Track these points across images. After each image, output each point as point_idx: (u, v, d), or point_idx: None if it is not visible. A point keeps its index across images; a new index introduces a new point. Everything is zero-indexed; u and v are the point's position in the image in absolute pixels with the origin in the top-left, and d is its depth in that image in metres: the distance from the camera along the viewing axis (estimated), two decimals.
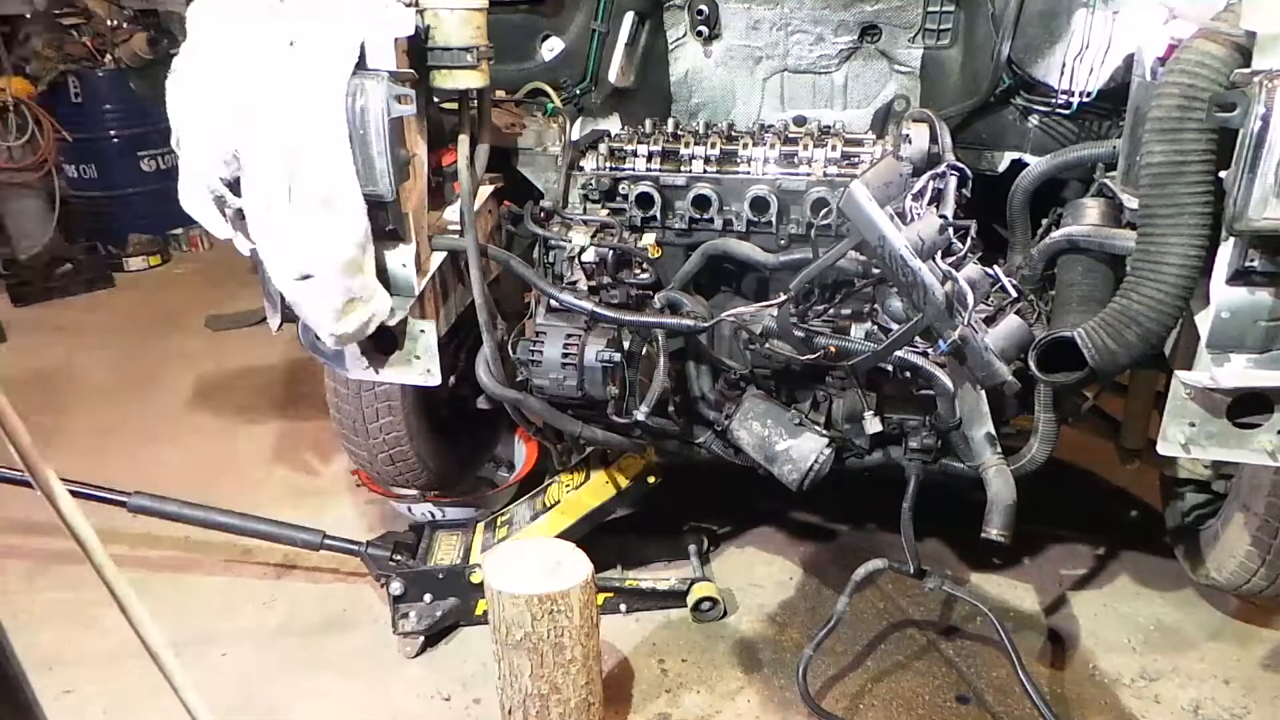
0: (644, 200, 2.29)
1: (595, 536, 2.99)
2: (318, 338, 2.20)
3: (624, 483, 2.81)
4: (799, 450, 2.15)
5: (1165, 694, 2.53)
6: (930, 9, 2.37)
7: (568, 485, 2.89)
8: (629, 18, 2.48)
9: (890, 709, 2.49)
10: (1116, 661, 2.64)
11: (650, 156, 2.32)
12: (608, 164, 2.36)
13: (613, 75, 2.51)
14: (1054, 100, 2.16)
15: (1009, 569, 3.01)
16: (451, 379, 2.79)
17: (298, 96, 1.83)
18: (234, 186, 1.93)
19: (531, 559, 2.24)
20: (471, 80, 2.03)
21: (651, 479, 2.81)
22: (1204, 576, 2.65)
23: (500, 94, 2.40)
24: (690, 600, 2.79)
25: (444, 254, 2.20)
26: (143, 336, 5.05)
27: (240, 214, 1.94)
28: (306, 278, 1.90)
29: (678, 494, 3.10)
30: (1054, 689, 2.52)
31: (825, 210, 2.15)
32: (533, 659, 2.16)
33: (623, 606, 2.83)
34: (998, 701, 2.49)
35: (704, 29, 2.53)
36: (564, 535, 2.77)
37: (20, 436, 1.18)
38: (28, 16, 5.75)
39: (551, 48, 2.51)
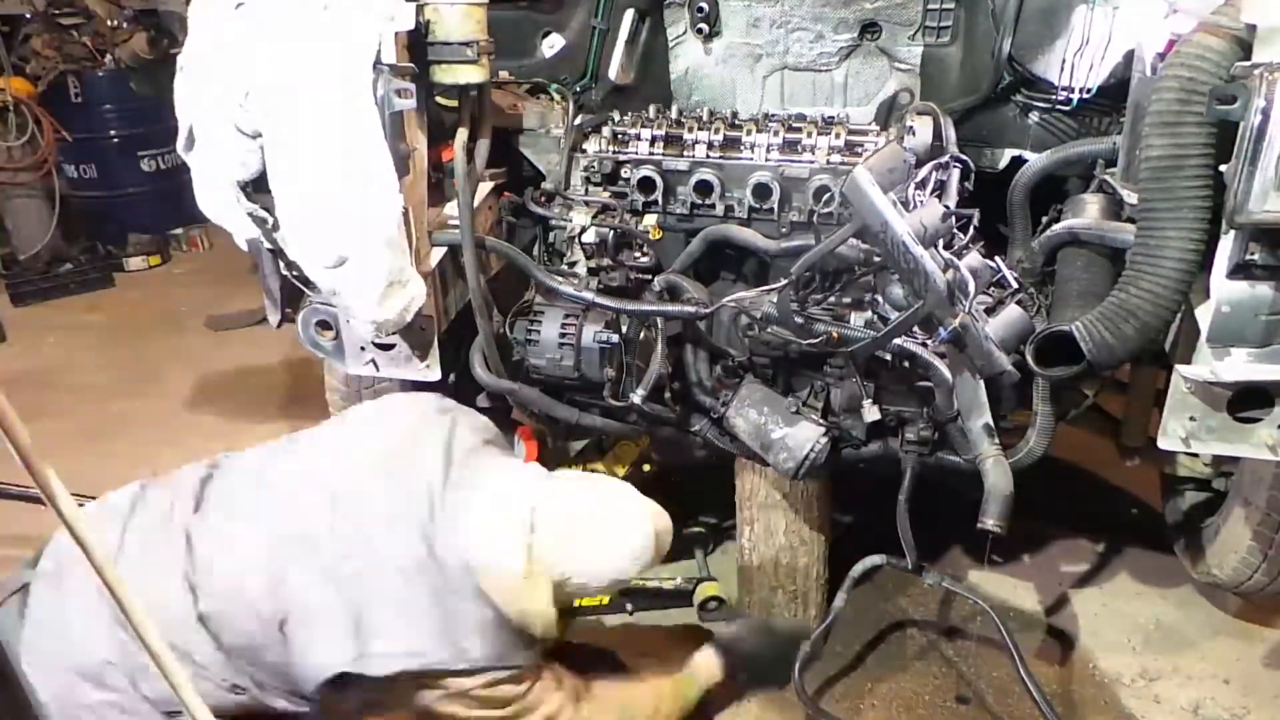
0: (646, 184, 2.29)
1: None
2: (315, 335, 2.21)
3: (620, 472, 2.80)
4: (795, 438, 2.14)
5: (1165, 694, 2.52)
6: (930, 6, 2.37)
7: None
8: (629, 15, 2.48)
9: (890, 709, 2.49)
10: (1116, 661, 2.63)
11: (653, 141, 2.32)
12: (610, 147, 2.36)
13: (613, 73, 2.51)
14: (1054, 97, 2.16)
15: (1008, 567, 3.01)
16: (452, 375, 2.79)
17: (328, 75, 1.83)
18: (255, 182, 1.93)
19: None
20: (471, 75, 2.03)
21: (647, 466, 2.80)
22: (1204, 574, 2.64)
23: (504, 74, 2.41)
24: (696, 599, 2.78)
25: (444, 250, 2.20)
26: (143, 336, 5.05)
27: (265, 208, 1.94)
28: (343, 262, 1.90)
29: (681, 493, 3.10)
30: (1054, 688, 2.51)
31: (827, 198, 2.15)
32: (787, 516, 2.52)
33: (629, 606, 2.81)
34: (998, 701, 2.49)
35: (704, 26, 2.54)
36: None
37: (20, 436, 1.17)
38: (28, 16, 5.76)
39: (552, 44, 2.52)
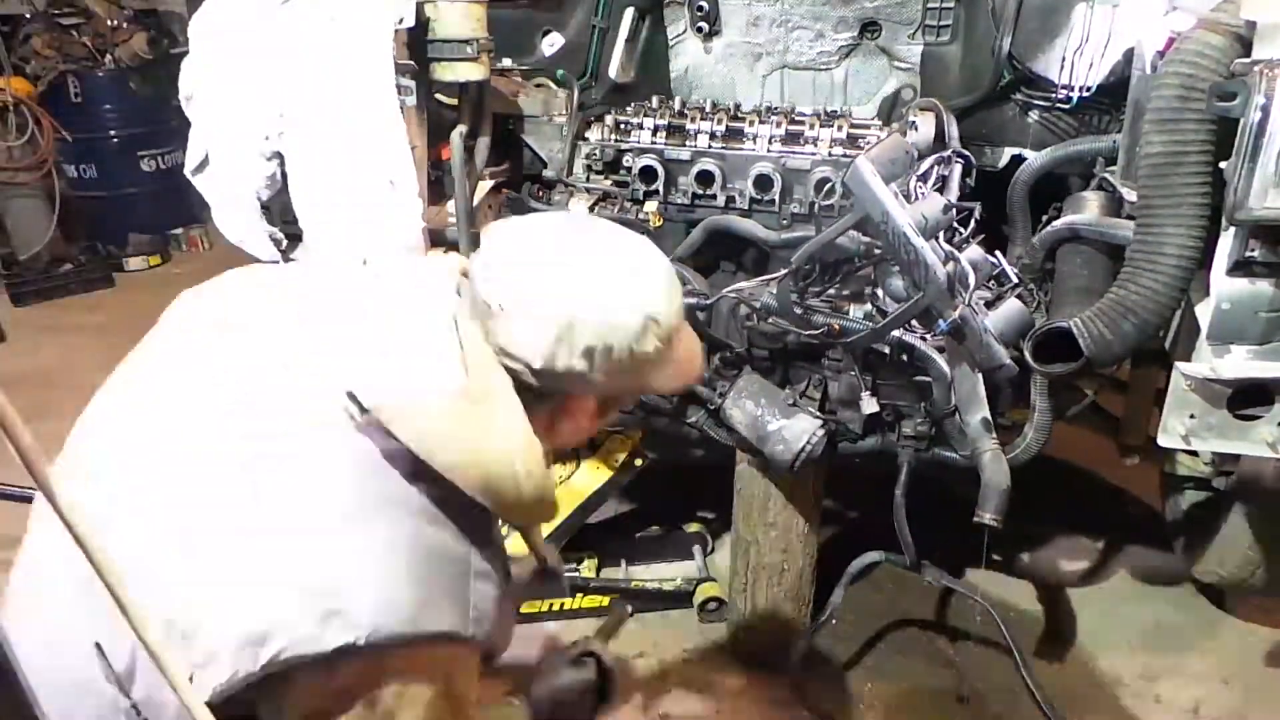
0: (647, 173, 2.29)
1: (599, 537, 2.99)
2: None
3: (613, 468, 2.79)
4: (791, 430, 2.14)
5: (1165, 694, 2.52)
6: (930, 5, 2.36)
7: (559, 477, 2.86)
8: (629, 14, 2.48)
9: (890, 709, 2.48)
10: (1116, 661, 2.63)
11: (655, 130, 2.33)
12: (613, 136, 2.36)
13: (613, 71, 2.51)
14: (1054, 95, 2.16)
15: (1008, 567, 3.01)
16: None
17: (349, 82, 1.83)
18: (273, 201, 1.94)
19: None
20: (471, 73, 2.03)
21: (639, 461, 2.78)
22: (1204, 572, 2.64)
23: (507, 61, 2.41)
24: (696, 601, 2.78)
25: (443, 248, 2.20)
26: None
27: (286, 221, 1.95)
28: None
29: (678, 492, 3.10)
30: (1054, 688, 2.51)
31: (829, 189, 2.16)
32: (780, 512, 2.52)
33: (629, 608, 2.80)
34: (998, 701, 2.49)
35: (704, 25, 2.54)
36: (562, 526, 2.77)
37: (20, 437, 1.17)
38: (28, 16, 5.76)
39: (552, 43, 2.52)
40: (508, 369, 1.08)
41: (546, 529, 2.78)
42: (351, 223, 1.89)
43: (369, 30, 1.84)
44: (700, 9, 2.52)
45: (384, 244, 1.89)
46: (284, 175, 1.92)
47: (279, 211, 1.97)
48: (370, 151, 1.86)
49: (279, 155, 1.89)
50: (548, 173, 2.41)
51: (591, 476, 2.81)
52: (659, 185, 2.30)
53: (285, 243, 1.98)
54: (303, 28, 1.85)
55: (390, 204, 1.88)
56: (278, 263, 2.03)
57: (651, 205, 2.29)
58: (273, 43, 1.86)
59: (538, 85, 2.46)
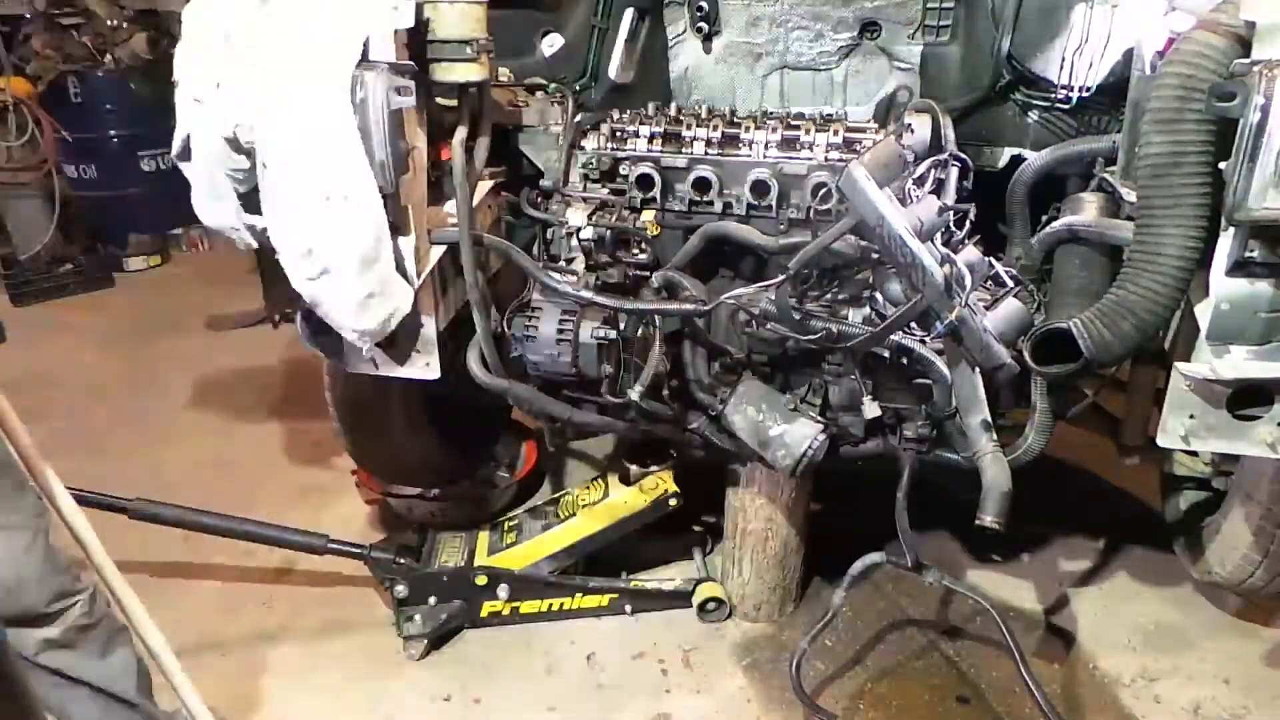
0: (644, 181, 2.29)
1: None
2: (312, 336, 2.20)
3: (644, 502, 2.78)
4: (792, 436, 2.14)
5: (1165, 694, 2.53)
6: (930, 5, 2.36)
7: (585, 500, 2.87)
8: (629, 14, 2.48)
9: (890, 708, 2.49)
10: (1116, 661, 2.63)
11: (652, 138, 2.33)
12: (609, 144, 2.36)
13: (613, 72, 2.51)
14: (1054, 95, 2.17)
15: (1008, 567, 3.01)
16: (452, 375, 2.79)
17: (307, 91, 1.82)
18: (251, 195, 1.94)
19: None
20: (471, 74, 2.02)
21: (673, 502, 2.77)
22: (1204, 573, 2.65)
23: (505, 73, 2.40)
24: (696, 600, 2.79)
25: (443, 248, 2.20)
26: (143, 336, 5.05)
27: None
28: (324, 274, 1.89)
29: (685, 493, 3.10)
30: (1054, 688, 2.52)
31: (825, 194, 2.15)
32: (768, 511, 2.65)
33: (628, 607, 2.82)
34: (998, 701, 2.49)
35: (704, 25, 2.53)
36: (578, 546, 2.78)
37: (20, 437, 1.18)
38: (28, 16, 5.76)
39: (551, 43, 2.52)
40: None
41: (561, 542, 2.79)
42: (308, 228, 1.88)
43: (335, 41, 1.83)
44: (700, 9, 2.51)
45: (336, 251, 1.89)
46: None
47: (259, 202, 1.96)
48: (326, 162, 1.85)
49: (251, 147, 1.88)
50: (544, 182, 2.40)
51: (619, 508, 2.80)
52: (656, 193, 2.30)
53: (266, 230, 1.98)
54: (277, 27, 1.84)
55: (344, 215, 1.87)
56: (254, 249, 2.03)
57: (649, 213, 2.29)
58: (252, 37, 1.85)
59: (530, 90, 2.46)
